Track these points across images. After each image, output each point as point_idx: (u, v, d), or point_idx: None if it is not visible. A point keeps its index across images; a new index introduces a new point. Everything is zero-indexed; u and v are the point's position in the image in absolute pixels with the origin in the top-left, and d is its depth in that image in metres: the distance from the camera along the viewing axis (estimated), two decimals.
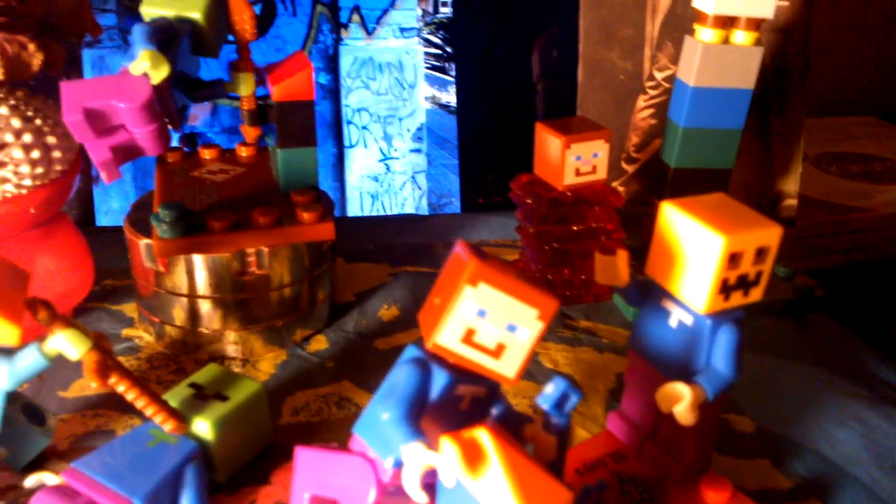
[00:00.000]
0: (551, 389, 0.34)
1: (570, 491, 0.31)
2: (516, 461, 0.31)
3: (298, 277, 0.54)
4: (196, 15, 0.48)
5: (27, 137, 0.49)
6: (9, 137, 0.48)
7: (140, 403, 0.39)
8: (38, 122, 0.50)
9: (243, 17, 0.51)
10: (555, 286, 0.59)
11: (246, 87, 0.53)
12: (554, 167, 0.56)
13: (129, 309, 0.58)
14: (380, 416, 0.32)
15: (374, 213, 0.76)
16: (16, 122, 0.49)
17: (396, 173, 0.75)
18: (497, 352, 0.33)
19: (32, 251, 0.53)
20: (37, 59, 0.53)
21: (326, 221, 0.51)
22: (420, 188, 0.76)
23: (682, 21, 0.73)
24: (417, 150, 0.75)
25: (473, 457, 0.31)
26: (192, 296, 0.52)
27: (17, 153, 0.48)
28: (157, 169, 0.57)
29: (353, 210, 0.76)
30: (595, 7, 0.73)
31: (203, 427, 0.41)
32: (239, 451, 0.43)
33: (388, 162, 0.75)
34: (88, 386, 0.50)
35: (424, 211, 0.76)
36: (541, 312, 0.32)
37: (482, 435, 0.31)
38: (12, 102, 0.50)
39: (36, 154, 0.49)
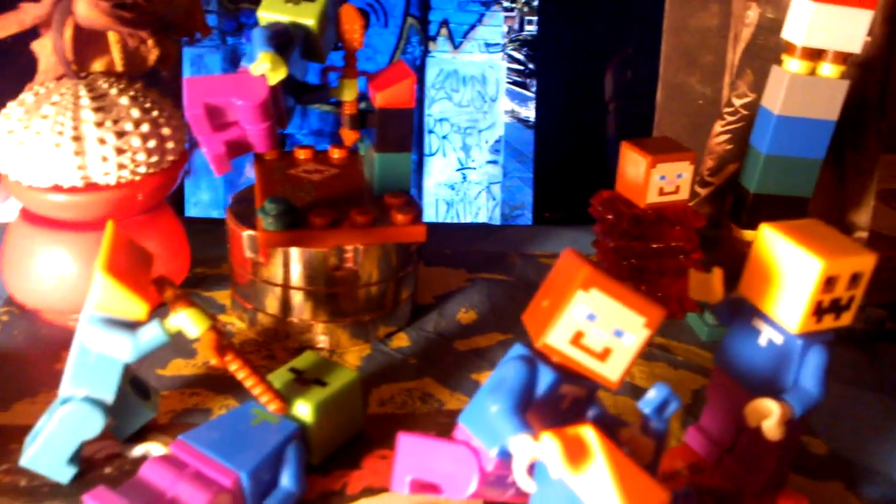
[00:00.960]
0: (653, 395, 0.35)
1: (668, 492, 0.33)
2: (619, 460, 0.33)
3: (386, 276, 0.56)
4: (310, 22, 0.51)
5: (145, 127, 0.52)
6: (128, 126, 0.52)
7: (249, 383, 0.42)
8: (154, 113, 0.53)
9: (353, 27, 0.53)
10: None
11: (349, 93, 0.55)
12: (637, 185, 0.58)
13: (221, 296, 0.60)
14: (488, 408, 0.34)
15: (449, 221, 0.78)
16: (135, 112, 0.52)
17: (472, 183, 0.78)
18: (603, 355, 0.34)
19: (137, 236, 0.55)
20: (153, 55, 0.56)
21: (419, 224, 0.54)
22: (494, 198, 0.78)
23: (763, 50, 0.74)
24: (494, 162, 0.78)
25: (576, 453, 0.33)
26: (286, 286, 0.54)
27: (136, 141, 0.51)
28: (255, 166, 0.60)
29: (429, 216, 0.78)
30: (677, 32, 0.75)
31: (304, 409, 0.43)
32: (333, 436, 0.45)
33: (465, 171, 0.77)
34: (185, 365, 0.53)
35: (497, 221, 0.78)
36: (648, 320, 0.34)
37: (588, 433, 0.33)
38: (132, 93, 0.53)
39: (152, 143, 0.52)
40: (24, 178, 0.51)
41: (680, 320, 0.62)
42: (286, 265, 0.54)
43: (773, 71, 0.61)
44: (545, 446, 0.32)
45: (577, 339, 0.34)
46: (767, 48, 0.74)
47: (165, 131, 0.53)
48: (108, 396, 0.42)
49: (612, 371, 0.34)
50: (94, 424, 0.42)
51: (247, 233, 0.54)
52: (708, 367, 0.56)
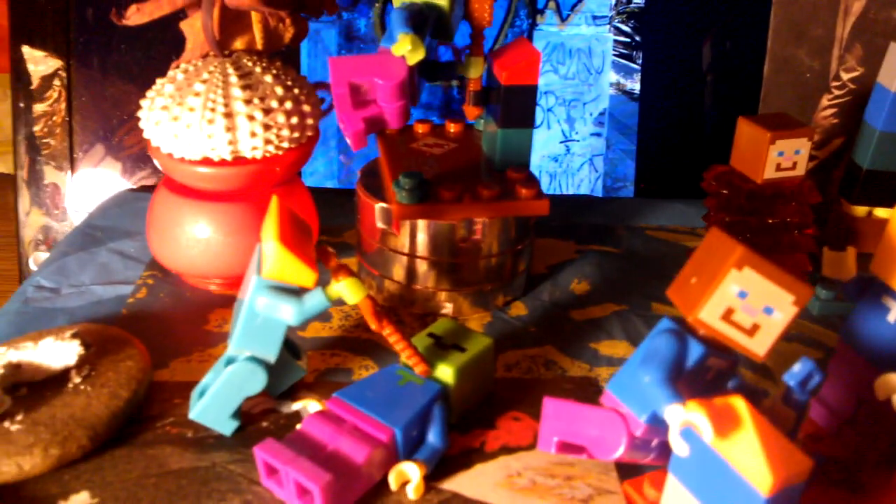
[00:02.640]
0: (798, 368, 0.37)
1: (812, 460, 0.35)
2: (766, 429, 0.35)
3: (505, 249, 0.59)
4: (443, 2, 0.53)
5: (288, 104, 0.55)
6: (274, 103, 0.55)
7: (399, 346, 0.45)
8: (296, 90, 0.56)
9: (483, 6, 0.55)
10: None
11: (475, 70, 0.58)
12: (754, 160, 0.59)
13: (348, 263, 0.64)
14: (641, 378, 0.36)
15: (552, 192, 0.80)
16: (279, 90, 0.55)
17: (576, 155, 0.79)
18: (752, 331, 0.36)
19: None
20: (289, 33, 0.59)
21: (542, 198, 0.56)
22: (597, 171, 0.79)
23: (874, 24, 0.73)
24: (598, 134, 0.79)
25: (725, 421, 0.35)
26: (412, 256, 0.57)
27: (281, 118, 0.55)
28: (378, 140, 0.63)
29: None
30: (787, 5, 0.75)
31: (446, 372, 0.46)
32: (470, 397, 0.48)
33: (568, 144, 0.79)
34: (323, 328, 0.57)
35: (599, 193, 0.80)
36: (797, 298, 0.36)
37: (738, 402, 0.35)
38: (274, 71, 0.56)
39: (294, 120, 0.55)
40: (176, 150, 0.55)
41: None
42: (413, 236, 0.57)
43: (890, 48, 0.61)
44: (697, 415, 0.35)
45: (727, 315, 0.36)
46: (879, 22, 0.73)
47: (305, 108, 0.56)
48: (271, 356, 0.45)
49: (759, 346, 0.36)
50: (257, 382, 0.46)
51: (380, 205, 0.57)
52: (819, 340, 0.58)
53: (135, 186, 0.82)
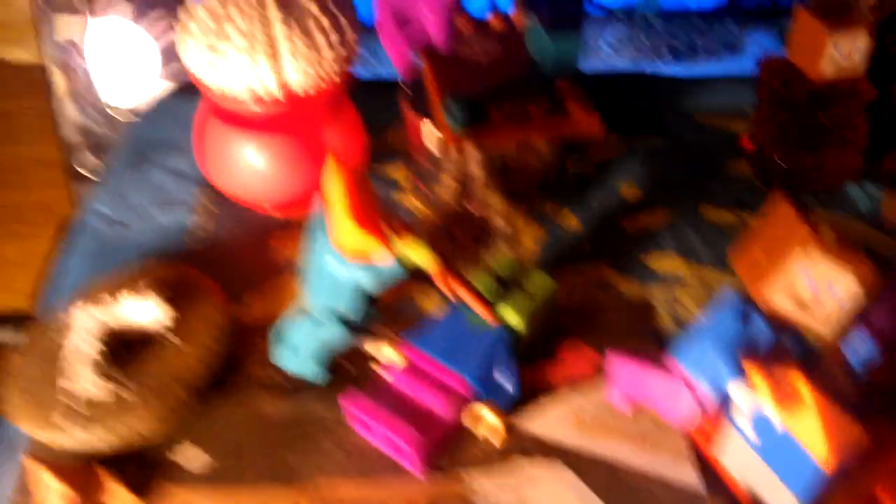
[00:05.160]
0: (860, 346, 0.39)
1: (862, 429, 0.37)
2: (820, 401, 0.38)
3: (554, 157, 0.58)
4: None
5: (333, 35, 0.53)
6: (318, 35, 0.53)
7: (469, 300, 0.47)
8: (339, 19, 0.54)
9: None
10: (787, 173, 0.61)
11: None
12: (812, 55, 0.57)
13: (393, 171, 0.64)
14: (707, 353, 0.39)
15: None
16: (322, 20, 0.53)
17: None
18: (815, 308, 0.38)
19: (323, 128, 0.59)
20: None
21: (593, 115, 0.55)
22: None
23: None
24: None
25: (783, 392, 0.38)
26: (463, 172, 0.58)
27: (326, 49, 0.53)
28: (422, 54, 0.61)
29: None
30: None
31: (516, 320, 0.48)
32: (533, 332, 0.51)
33: None
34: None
35: None
36: (861, 279, 0.37)
37: (798, 378, 0.38)
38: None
39: (340, 49, 0.54)
40: (222, 84, 0.54)
41: (842, 191, 0.62)
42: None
43: None
44: (760, 390, 0.37)
45: (791, 292, 0.38)
46: None
47: (349, 35, 0.54)
48: (356, 317, 0.48)
49: (823, 324, 0.38)
50: (343, 340, 0.48)
51: (429, 128, 0.56)
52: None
53: (148, 29, 0.77)
